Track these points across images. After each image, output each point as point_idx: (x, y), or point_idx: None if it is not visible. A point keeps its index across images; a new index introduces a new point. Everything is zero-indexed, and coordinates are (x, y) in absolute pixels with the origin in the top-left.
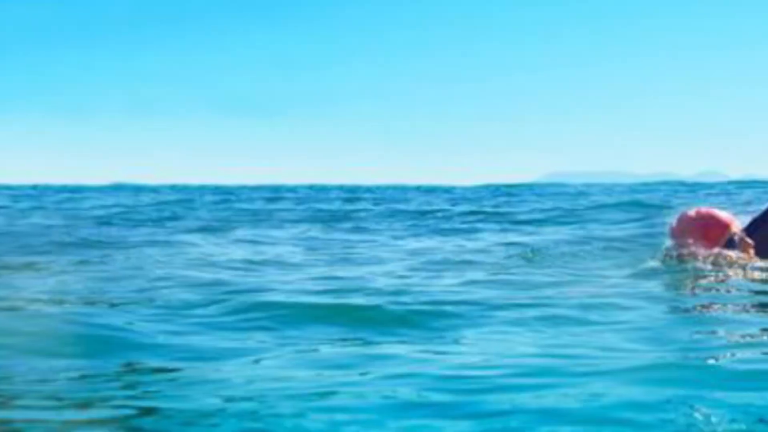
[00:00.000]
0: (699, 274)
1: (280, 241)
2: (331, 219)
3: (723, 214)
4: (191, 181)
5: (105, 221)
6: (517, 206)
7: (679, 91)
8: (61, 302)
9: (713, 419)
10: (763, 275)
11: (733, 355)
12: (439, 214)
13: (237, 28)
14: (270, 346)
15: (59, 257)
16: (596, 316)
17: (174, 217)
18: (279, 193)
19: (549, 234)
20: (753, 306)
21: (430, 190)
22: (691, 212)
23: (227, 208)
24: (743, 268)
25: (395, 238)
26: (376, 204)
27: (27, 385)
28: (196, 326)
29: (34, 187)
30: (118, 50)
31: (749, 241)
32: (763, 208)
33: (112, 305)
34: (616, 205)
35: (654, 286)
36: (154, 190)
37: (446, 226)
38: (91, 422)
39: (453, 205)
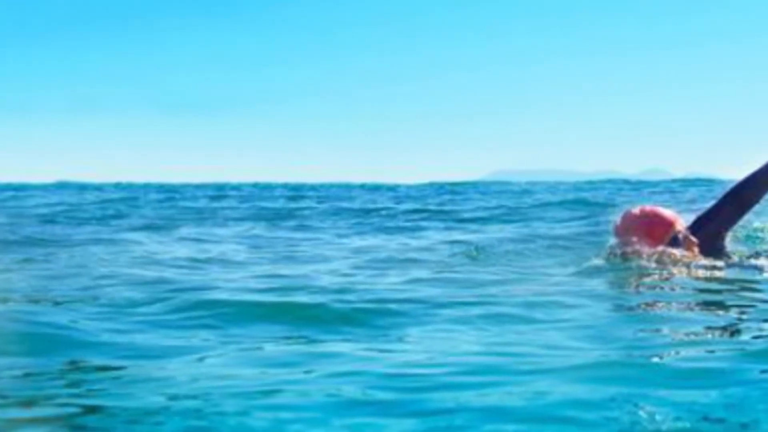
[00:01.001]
0: (643, 273)
1: (224, 239)
2: (275, 217)
3: (667, 213)
4: (136, 179)
5: (49, 219)
6: (461, 204)
7: (623, 89)
8: (4, 300)
9: (657, 417)
10: (707, 273)
11: (677, 353)
12: (384, 213)
13: (180, 26)
14: (214, 344)
15: (3, 255)
16: (540, 314)
17: (118, 216)
18: (223, 191)
19: (493, 232)
20: (697, 304)
21: (375, 188)
22: (636, 210)
23: (171, 206)
24: (687, 266)
25: (339, 236)
26: (320, 202)
27: None
28: (140, 324)
29: None
30: (61, 48)
31: (693, 239)
32: (707, 206)
33: (56, 303)
34: (561, 204)
35: (598, 285)
36: (99, 188)
37: (391, 224)
38: (35, 420)
39: (397, 203)
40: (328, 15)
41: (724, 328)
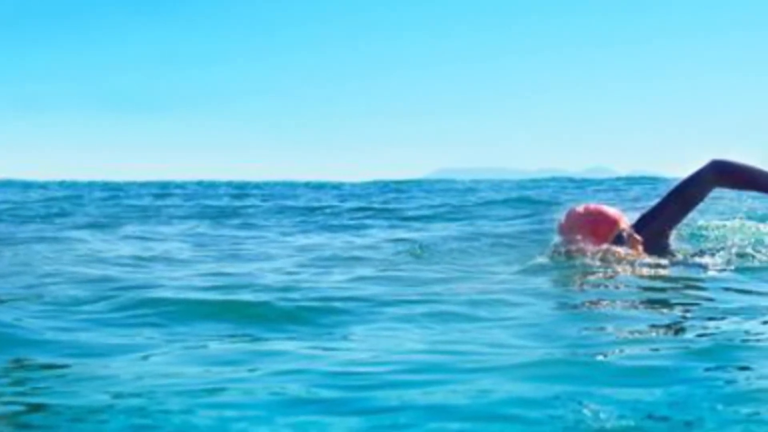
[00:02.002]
0: (587, 271)
1: (168, 237)
2: (219, 215)
3: (611, 211)
4: (80, 178)
5: None
6: (405, 202)
7: (566, 87)
8: None
9: (602, 415)
10: (652, 272)
11: (621, 351)
12: (328, 211)
13: (124, 24)
14: (159, 342)
15: None
16: (485, 312)
17: (62, 214)
18: (167, 190)
19: (437, 230)
20: (641, 302)
21: (319, 187)
22: (580, 208)
23: (116, 204)
24: (632, 264)
25: (284, 234)
26: (264, 200)
27: None
28: (84, 323)
29: None
30: (3, 45)
31: (638, 237)
32: (651, 204)
33: (0, 302)
34: (505, 202)
35: (542, 283)
36: (43, 186)
37: (335, 222)
38: None
39: (342, 201)
40: (272, 13)
41: (668, 326)
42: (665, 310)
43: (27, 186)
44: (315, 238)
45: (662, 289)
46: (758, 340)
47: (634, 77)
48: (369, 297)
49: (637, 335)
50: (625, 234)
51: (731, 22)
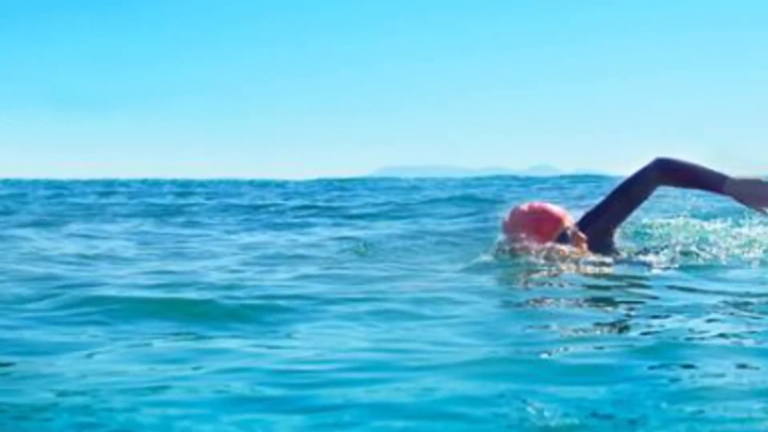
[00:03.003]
0: (532, 269)
1: (113, 235)
2: (163, 213)
3: (556, 209)
4: (24, 176)
5: None
6: (350, 201)
7: (510, 85)
8: None
9: (546, 413)
10: (596, 270)
11: (565, 349)
12: (272, 209)
13: (68, 22)
14: (103, 340)
15: None
16: (429, 310)
17: (6, 212)
18: (112, 188)
19: (382, 228)
20: (586, 300)
21: (263, 185)
22: (524, 206)
23: (60, 202)
24: (576, 262)
25: (228, 232)
26: (208, 198)
27: None
28: (28, 321)
29: None
30: None
31: (582, 235)
32: (595, 202)
33: None
34: (449, 200)
35: (487, 281)
36: None
37: (279, 220)
38: None
39: (286, 199)
40: (215, 11)
41: (612, 325)
42: (609, 309)
43: None
44: (259, 237)
45: (606, 288)
46: (702, 339)
47: (577, 76)
48: (313, 295)
49: (581, 333)
50: (569, 232)
51: (675, 20)
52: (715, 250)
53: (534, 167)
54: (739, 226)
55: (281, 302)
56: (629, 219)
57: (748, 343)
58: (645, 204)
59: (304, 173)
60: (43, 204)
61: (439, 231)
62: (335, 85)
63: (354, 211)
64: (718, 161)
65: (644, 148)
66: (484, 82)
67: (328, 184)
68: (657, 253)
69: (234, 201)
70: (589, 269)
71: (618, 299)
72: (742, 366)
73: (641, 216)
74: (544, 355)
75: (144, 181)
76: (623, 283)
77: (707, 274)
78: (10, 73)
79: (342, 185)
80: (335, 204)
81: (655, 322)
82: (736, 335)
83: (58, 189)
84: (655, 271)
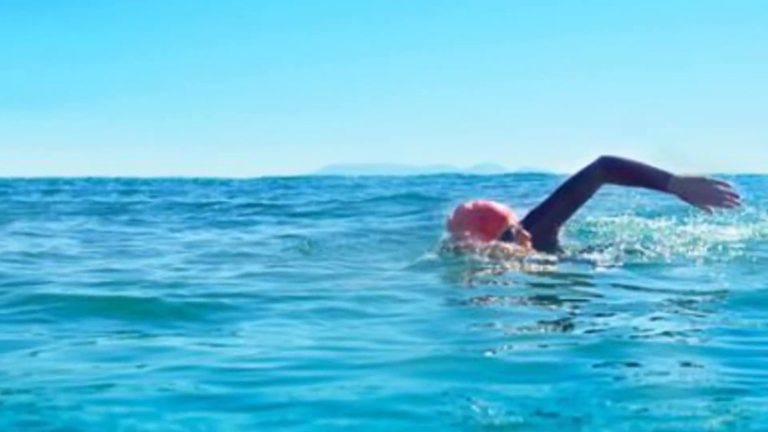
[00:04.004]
0: (476, 267)
1: (57, 233)
2: (108, 212)
3: (500, 207)
4: None
5: None
6: (294, 199)
7: (454, 83)
8: None
9: (490, 412)
10: (540, 268)
11: (510, 347)
12: (217, 207)
13: (10, 20)
14: (47, 338)
15: None
16: (373, 308)
17: None
18: (56, 186)
19: (326, 226)
20: (530, 299)
21: (208, 183)
22: (468, 204)
23: (4, 200)
24: (520, 260)
25: (172, 230)
26: (153, 196)
27: None
28: None
29: None
30: None
31: (526, 233)
32: (539, 200)
33: None
34: (394, 198)
35: (431, 279)
36: None
37: (223, 218)
38: None
39: (230, 197)
40: (157, 9)
41: (556, 323)
42: (554, 307)
43: None
44: (203, 235)
45: (551, 286)
46: (647, 337)
47: (522, 74)
48: (257, 293)
49: (525, 331)
50: (513, 230)
51: (617, 19)
52: (659, 248)
53: (478, 165)
54: (684, 224)
55: (225, 300)
56: (574, 217)
57: (693, 341)
58: (589, 202)
59: (249, 171)
60: None
61: (383, 229)
62: (279, 83)
63: (298, 210)
64: (661, 159)
65: (588, 147)
66: (429, 80)
67: (273, 183)
68: (601, 251)
69: (178, 199)
70: (534, 267)
71: (562, 297)
72: (687, 364)
73: (586, 214)
74: (489, 353)
75: (88, 179)
76: (567, 282)
77: (651, 272)
78: None
79: (286, 183)
80: (280, 202)
81: (600, 320)
82: (680, 333)
83: (1, 187)
84: (599, 270)
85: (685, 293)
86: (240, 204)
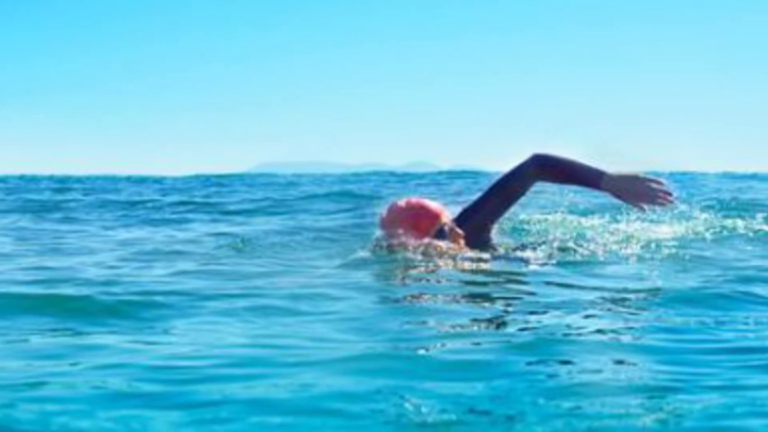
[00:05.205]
0: (409, 265)
1: None
2: (41, 209)
3: (433, 205)
4: None
5: None
6: (227, 196)
7: (388, 81)
8: None
9: (423, 409)
10: (473, 265)
11: (443, 345)
12: (150, 205)
13: None
14: None
15: None
16: (306, 306)
17: None
18: None
19: (259, 224)
20: (463, 296)
21: (141, 181)
22: (401, 202)
23: None
24: (453, 258)
25: (105, 228)
26: (86, 194)
27: None
28: None
29: None
30: None
31: (459, 231)
32: (473, 198)
33: None
34: (327, 196)
35: (364, 277)
36: None
37: (157, 216)
38: None
39: (163, 195)
40: (93, 7)
41: (490, 321)
42: (487, 304)
43: None
44: (137, 232)
45: (484, 283)
46: (580, 335)
47: (454, 71)
48: (190, 291)
49: (458, 329)
50: (446, 228)
51: (552, 17)
52: (592, 246)
53: (411, 163)
54: (617, 222)
55: (159, 298)
56: (507, 215)
57: (626, 339)
58: (523, 200)
59: (182, 169)
60: None
61: (316, 227)
62: (212, 80)
63: (231, 207)
64: (595, 157)
65: (522, 145)
66: (362, 77)
67: (206, 180)
68: (534, 249)
69: (111, 197)
70: (467, 265)
71: (495, 295)
72: (620, 362)
73: (519, 212)
74: (422, 351)
75: (21, 177)
76: (501, 279)
77: (585, 269)
78: None
79: (219, 181)
80: (213, 200)
81: (533, 318)
82: (613, 331)
83: None
84: (532, 267)
85: (618, 291)
86: (173, 202)
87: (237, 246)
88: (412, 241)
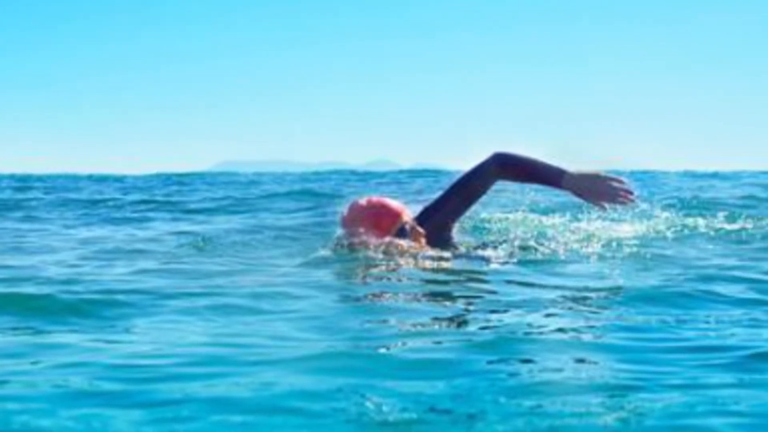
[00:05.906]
0: (370, 263)
1: None
2: (1, 208)
3: (394, 203)
4: None
5: None
6: (188, 195)
7: (348, 80)
8: None
9: (384, 408)
10: (434, 264)
11: (404, 344)
12: (111, 203)
13: None
14: None
15: None
16: (267, 305)
17: None
18: None
19: (220, 223)
20: (424, 295)
21: (102, 179)
22: (362, 201)
23: None
24: (414, 257)
25: (67, 227)
26: (47, 193)
27: None
28: None
29: None
30: None
31: (420, 230)
32: (434, 196)
33: None
34: (288, 194)
35: (325, 275)
36: None
37: (118, 215)
38: None
39: (124, 194)
40: (49, 5)
41: (451, 319)
42: (448, 303)
43: None
44: (98, 231)
45: (445, 282)
46: (541, 333)
47: (415, 70)
48: (152, 290)
49: (419, 328)
50: (407, 227)
51: (512, 15)
52: (553, 245)
53: (372, 162)
54: (578, 220)
55: (120, 297)
56: (468, 213)
57: (587, 337)
58: (484, 198)
59: (143, 168)
60: None
61: (277, 225)
62: (172, 79)
63: (192, 206)
64: (557, 156)
65: (483, 143)
66: (322, 76)
67: (167, 179)
68: (495, 247)
69: (72, 195)
70: (428, 264)
71: (456, 294)
72: (581, 360)
73: (480, 211)
74: (383, 350)
75: None
76: (462, 278)
77: (546, 268)
78: None
79: (180, 180)
80: (174, 198)
81: (494, 316)
82: (574, 330)
83: None
84: (493, 266)
85: (579, 290)
86: (134, 200)
87: (198, 245)
88: (373, 240)
